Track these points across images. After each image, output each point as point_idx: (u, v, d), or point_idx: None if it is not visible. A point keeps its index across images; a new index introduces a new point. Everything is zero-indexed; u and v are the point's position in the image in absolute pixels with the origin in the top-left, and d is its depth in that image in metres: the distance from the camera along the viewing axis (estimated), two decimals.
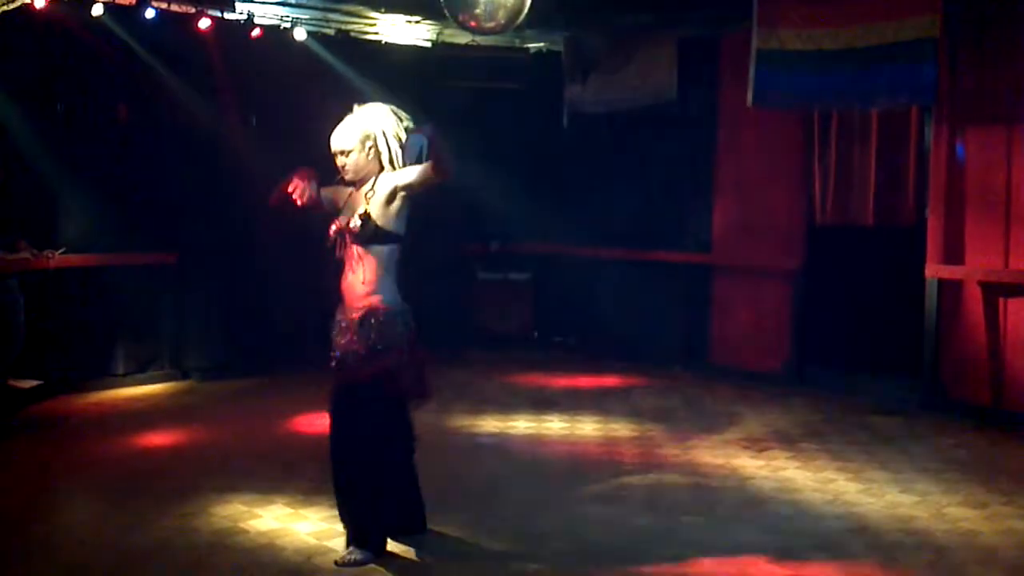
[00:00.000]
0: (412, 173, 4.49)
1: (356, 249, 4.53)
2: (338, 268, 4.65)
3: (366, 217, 4.49)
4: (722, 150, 9.06)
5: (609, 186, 9.93)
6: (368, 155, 4.58)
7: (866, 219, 8.11)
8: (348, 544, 4.58)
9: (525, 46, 9.98)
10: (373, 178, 4.58)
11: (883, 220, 8.05)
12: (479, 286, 10.47)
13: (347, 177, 4.62)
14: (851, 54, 7.54)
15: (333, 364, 4.58)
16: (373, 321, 4.47)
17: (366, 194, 4.56)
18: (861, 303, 8.39)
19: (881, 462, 6.22)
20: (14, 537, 4.90)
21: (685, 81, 9.06)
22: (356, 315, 4.50)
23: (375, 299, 4.50)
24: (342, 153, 4.58)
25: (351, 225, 4.52)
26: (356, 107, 4.68)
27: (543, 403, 7.92)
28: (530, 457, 6.42)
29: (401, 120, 4.65)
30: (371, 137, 4.58)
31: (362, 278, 4.52)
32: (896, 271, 8.12)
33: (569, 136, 10.00)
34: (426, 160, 4.48)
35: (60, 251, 8.00)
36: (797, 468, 6.10)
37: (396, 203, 4.52)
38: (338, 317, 4.60)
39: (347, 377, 4.48)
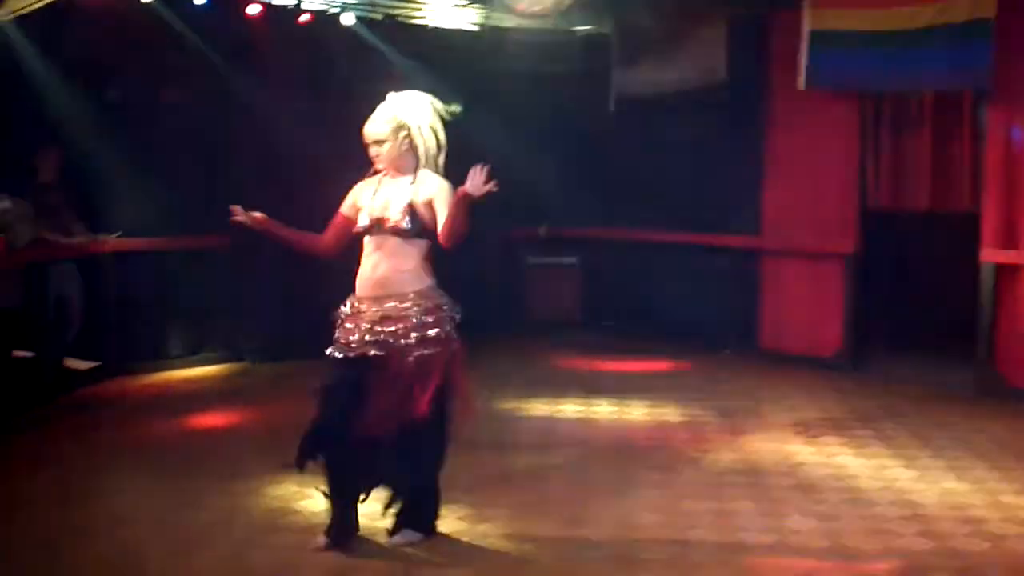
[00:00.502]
0: (441, 210, 4.37)
1: (394, 240, 4.43)
2: (358, 255, 4.57)
3: (412, 211, 4.40)
4: (772, 132, 8.91)
5: (658, 169, 9.84)
6: (402, 146, 4.47)
7: (920, 203, 7.98)
8: (400, 527, 4.58)
9: (573, 29, 9.93)
10: (413, 173, 4.48)
11: (938, 204, 7.92)
12: (528, 270, 10.47)
13: (380, 167, 4.54)
14: (904, 35, 7.43)
15: (372, 353, 4.41)
16: (424, 309, 4.42)
17: (408, 187, 4.46)
18: (915, 287, 8.28)
19: (936, 449, 6.14)
20: (71, 517, 5.00)
21: (735, 62, 8.93)
22: (402, 303, 4.42)
23: (421, 284, 4.45)
24: (375, 143, 4.48)
25: (395, 219, 4.41)
26: (391, 95, 4.55)
27: (592, 387, 7.91)
28: (579, 441, 6.42)
29: (438, 110, 4.53)
30: (405, 127, 4.46)
31: (403, 267, 4.44)
32: (951, 255, 8.00)
33: (617, 119, 9.95)
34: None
35: (115, 235, 8.14)
36: (850, 455, 6.04)
37: (431, 211, 4.42)
38: (364, 306, 4.48)
39: (398, 365, 4.38)
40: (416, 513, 4.59)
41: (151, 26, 8.05)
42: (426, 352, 4.39)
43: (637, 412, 7.14)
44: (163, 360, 8.58)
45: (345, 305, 4.57)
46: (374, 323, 4.44)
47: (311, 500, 5.14)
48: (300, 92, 9.04)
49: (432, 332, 4.41)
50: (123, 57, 8.27)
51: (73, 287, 7.93)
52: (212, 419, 7.00)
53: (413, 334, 4.39)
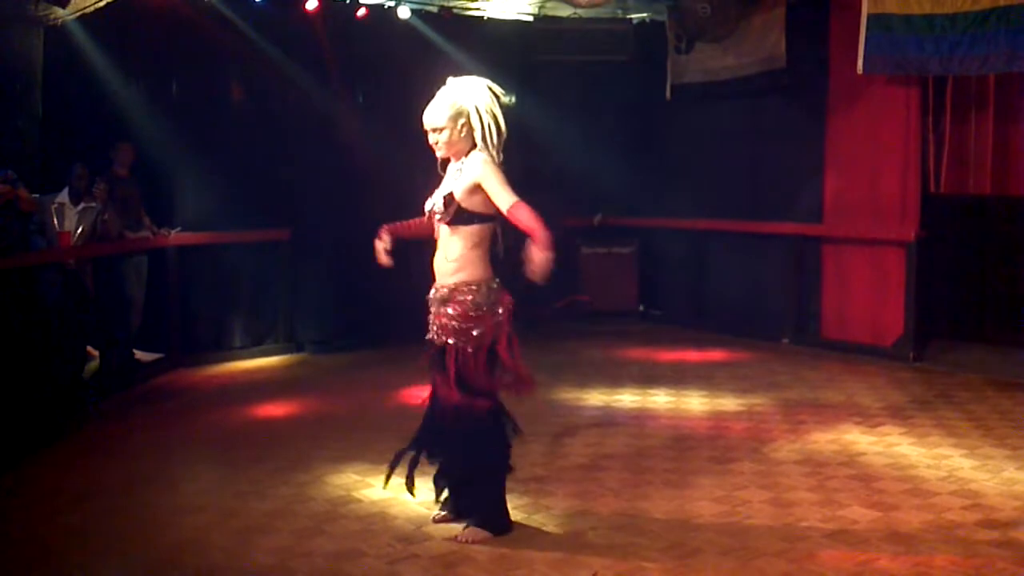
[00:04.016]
0: (498, 196, 4.31)
1: (444, 227, 4.46)
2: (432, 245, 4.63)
3: (450, 199, 4.40)
4: (832, 118, 8.80)
5: (715, 157, 9.80)
6: (461, 132, 4.42)
7: (983, 188, 7.84)
8: (470, 524, 4.60)
9: (628, 17, 9.90)
10: (464, 157, 4.45)
11: (1001, 189, 7.78)
12: (583, 259, 10.47)
13: (440, 154, 4.52)
14: (966, 17, 7.30)
15: (433, 341, 4.53)
16: (459, 298, 4.41)
17: (453, 173, 4.47)
18: (978, 274, 8.13)
19: (998, 438, 6.05)
20: (139, 505, 5.13)
21: (794, 48, 8.85)
22: (444, 292, 4.45)
23: (462, 276, 4.43)
24: (434, 130, 4.45)
25: (437, 209, 4.44)
26: (449, 80, 4.53)
27: (648, 377, 7.91)
28: (635, 430, 6.43)
29: (496, 95, 4.48)
30: (464, 113, 4.41)
31: (449, 256, 4.46)
32: (1014, 242, 7.84)
33: (673, 107, 9.91)
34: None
35: (175, 229, 8.33)
36: (910, 444, 5.97)
37: (479, 195, 4.38)
38: (430, 295, 4.55)
39: (453, 357, 4.42)
40: (489, 510, 4.60)
41: (211, 23, 8.21)
42: (454, 342, 4.42)
43: (694, 402, 7.13)
44: (225, 351, 8.76)
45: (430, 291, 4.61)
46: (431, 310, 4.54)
47: (371, 489, 5.23)
48: (357, 85, 9.16)
49: (464, 326, 4.40)
50: (183, 54, 8.43)
51: (140, 280, 8.14)
52: (274, 409, 7.13)
53: (451, 324, 4.42)
